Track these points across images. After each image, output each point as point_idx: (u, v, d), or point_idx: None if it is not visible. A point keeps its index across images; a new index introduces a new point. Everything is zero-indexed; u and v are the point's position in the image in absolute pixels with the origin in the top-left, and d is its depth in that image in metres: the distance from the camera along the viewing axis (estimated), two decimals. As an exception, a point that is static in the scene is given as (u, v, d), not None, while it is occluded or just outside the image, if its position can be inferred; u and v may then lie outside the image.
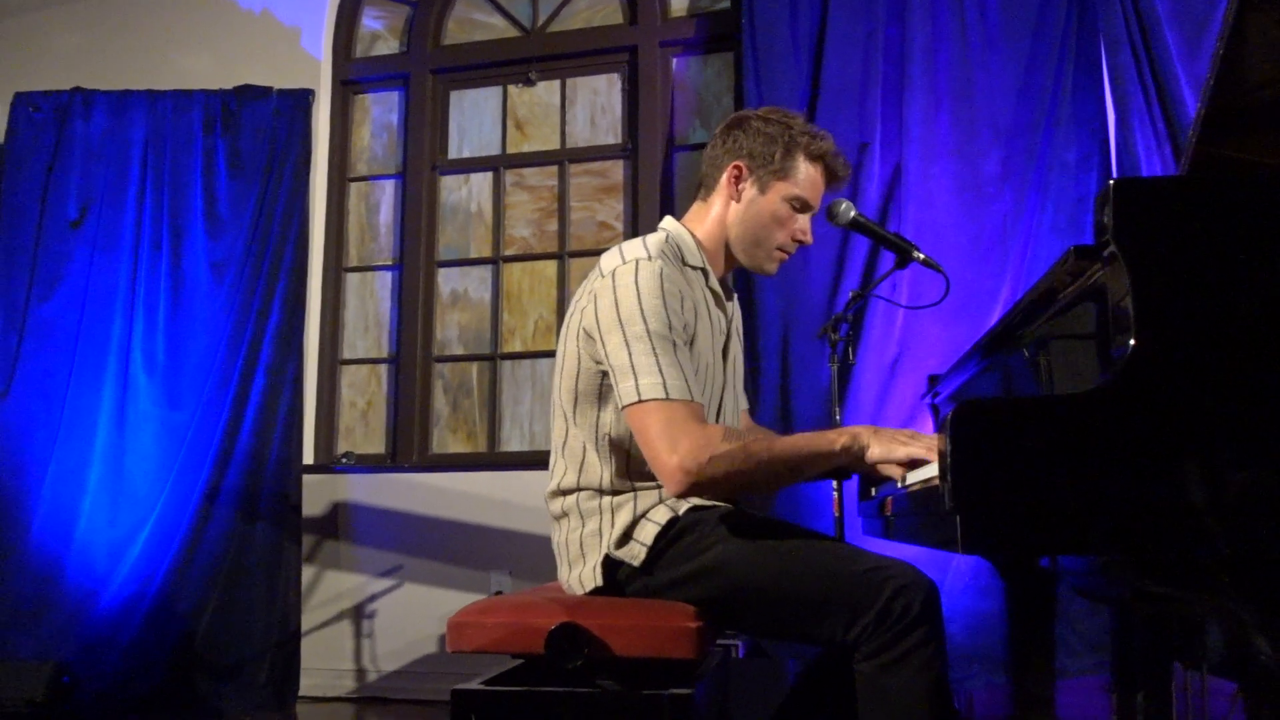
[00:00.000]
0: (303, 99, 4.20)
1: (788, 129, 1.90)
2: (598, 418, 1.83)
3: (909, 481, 1.64)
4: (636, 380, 1.67)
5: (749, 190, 1.92)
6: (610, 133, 4.22)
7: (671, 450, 1.62)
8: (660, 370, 1.67)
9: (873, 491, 2.29)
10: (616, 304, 1.73)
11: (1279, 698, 1.06)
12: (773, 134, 1.90)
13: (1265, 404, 1.08)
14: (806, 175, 1.91)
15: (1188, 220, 1.14)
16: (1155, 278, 1.12)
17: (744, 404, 2.17)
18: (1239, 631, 1.10)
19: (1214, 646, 1.80)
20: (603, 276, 1.79)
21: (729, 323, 1.98)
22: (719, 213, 1.94)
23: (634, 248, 1.82)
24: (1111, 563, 1.15)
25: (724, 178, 1.93)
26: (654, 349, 1.68)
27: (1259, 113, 1.53)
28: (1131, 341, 1.10)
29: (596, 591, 1.81)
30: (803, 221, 1.94)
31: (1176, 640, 1.80)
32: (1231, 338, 1.10)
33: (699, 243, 1.93)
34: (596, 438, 1.83)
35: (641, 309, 1.71)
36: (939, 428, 1.22)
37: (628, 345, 1.69)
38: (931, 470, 1.52)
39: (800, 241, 1.95)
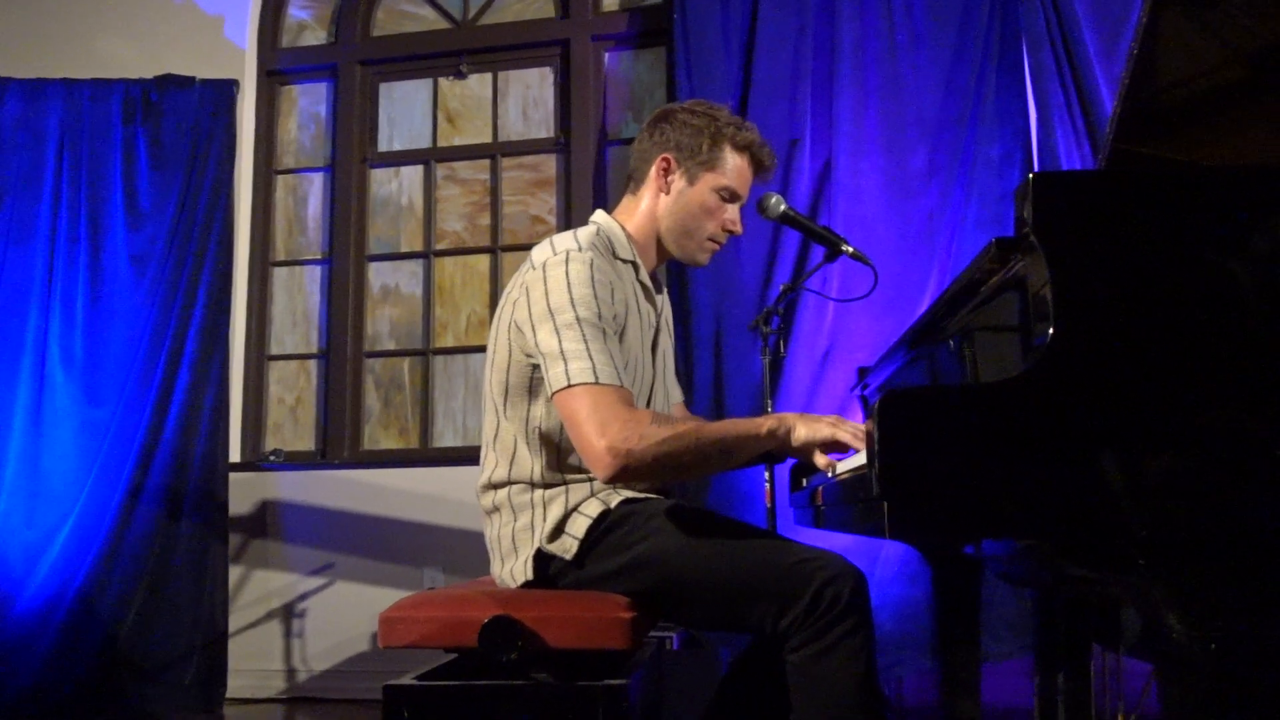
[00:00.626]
0: (226, 89, 4.11)
1: (714, 120, 1.92)
2: (528, 411, 1.82)
3: (839, 471, 1.66)
4: (566, 366, 1.67)
5: (678, 182, 1.92)
6: (543, 126, 4.20)
7: (600, 434, 1.62)
8: (590, 356, 1.67)
9: (804, 482, 2.32)
10: (547, 294, 1.73)
11: (1188, 673, 1.10)
12: (699, 126, 1.91)
13: (1179, 390, 1.11)
14: (734, 165, 1.92)
15: (1104, 213, 1.17)
16: (1073, 268, 1.15)
17: (677, 395, 2.18)
18: (1153, 611, 1.14)
19: (1130, 628, 1.86)
20: (533, 269, 1.79)
21: (659, 316, 1.99)
22: (649, 206, 1.95)
23: (564, 240, 1.82)
24: (1033, 547, 1.18)
25: (653, 171, 1.94)
26: (584, 336, 1.68)
27: (1172, 112, 1.58)
28: (1051, 330, 1.13)
29: (529, 586, 1.80)
30: (732, 211, 1.95)
31: (1095, 622, 1.86)
32: (1146, 326, 1.13)
33: (629, 236, 1.94)
34: (527, 431, 1.83)
35: (572, 298, 1.71)
36: (867, 416, 1.25)
37: (558, 333, 1.70)
38: (861, 459, 1.55)
39: (730, 231, 1.96)
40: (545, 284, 1.74)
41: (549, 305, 1.72)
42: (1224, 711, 1.08)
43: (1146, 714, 2.23)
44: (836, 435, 1.64)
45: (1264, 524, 1.09)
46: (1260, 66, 1.53)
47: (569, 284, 1.72)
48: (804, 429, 1.65)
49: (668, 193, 1.93)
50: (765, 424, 1.67)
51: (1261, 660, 1.08)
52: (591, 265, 1.75)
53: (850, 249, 2.36)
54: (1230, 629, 1.08)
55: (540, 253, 1.82)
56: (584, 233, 1.87)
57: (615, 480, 1.66)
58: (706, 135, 1.91)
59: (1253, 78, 1.55)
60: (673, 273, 3.49)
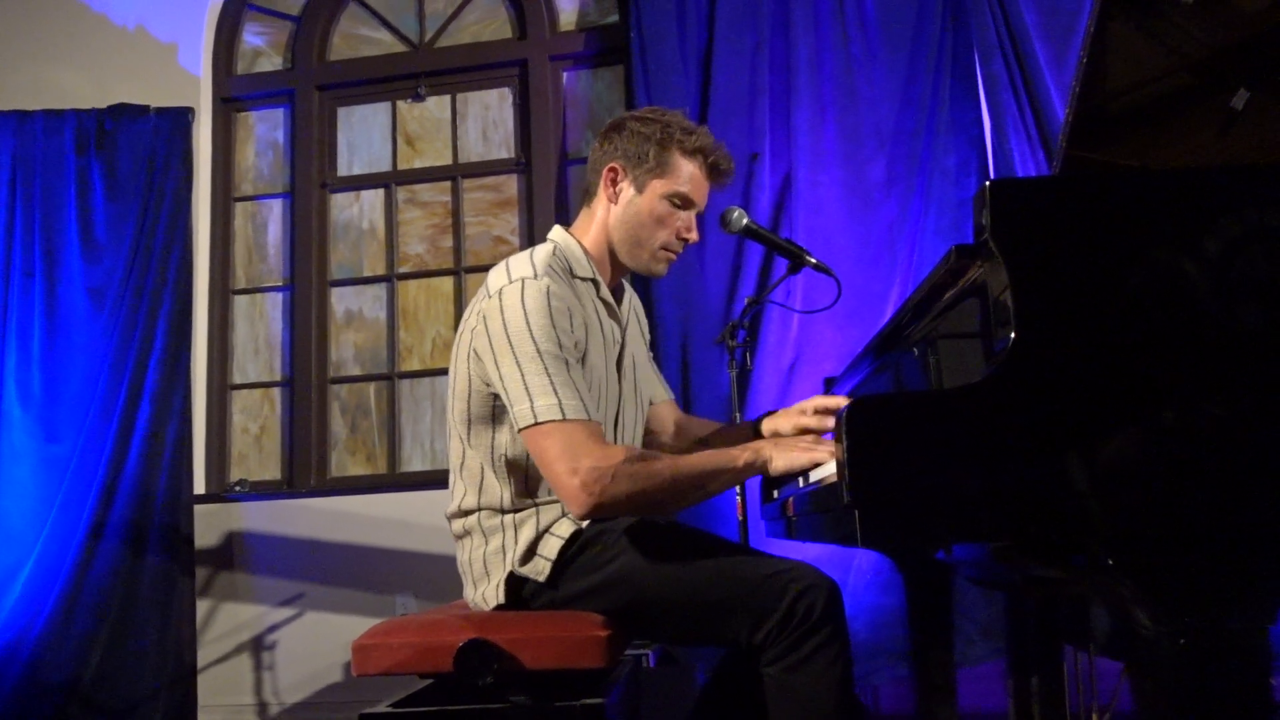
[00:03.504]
0: (182, 117, 4.08)
1: (663, 126, 1.87)
2: (493, 439, 1.81)
3: (809, 481, 1.67)
4: (532, 403, 1.65)
5: (626, 191, 1.88)
6: (503, 147, 4.20)
7: (573, 472, 1.61)
8: (555, 391, 1.65)
9: (774, 494, 2.33)
10: (505, 325, 1.70)
11: (1159, 669, 1.11)
12: (647, 133, 1.87)
13: (1139, 389, 1.13)
14: (686, 172, 1.88)
15: (1060, 217, 1.20)
16: (1032, 273, 1.17)
17: (662, 395, 2.16)
18: (1122, 609, 1.15)
19: (1099, 627, 1.88)
20: (490, 297, 1.76)
21: (624, 331, 1.96)
22: (601, 217, 1.91)
23: (520, 265, 1.79)
24: (1002, 549, 1.19)
25: (602, 181, 1.90)
26: (547, 369, 1.66)
27: (1122, 118, 1.61)
28: (1012, 335, 1.14)
29: (502, 609, 1.79)
30: (686, 219, 1.90)
31: (1065, 623, 1.88)
32: (1104, 328, 1.15)
33: (587, 252, 1.90)
34: (493, 459, 1.81)
35: (530, 330, 1.69)
36: (835, 426, 1.25)
37: (520, 367, 1.67)
38: (829, 469, 1.56)
39: (685, 240, 1.91)
40: (503, 314, 1.71)
41: (508, 336, 1.69)
42: (1195, 705, 1.10)
43: (1120, 711, 2.25)
44: (815, 459, 1.64)
45: (1228, 519, 1.10)
46: (1204, 72, 1.57)
47: (526, 314, 1.69)
48: (780, 460, 1.65)
49: (616, 202, 1.89)
50: (741, 456, 1.67)
51: (1230, 653, 1.09)
52: (548, 292, 1.71)
53: (813, 260, 2.38)
54: (1199, 624, 1.09)
55: (496, 279, 1.78)
56: (540, 254, 1.83)
57: (589, 516, 1.67)
58: (654, 142, 1.86)
59: (1198, 83, 1.59)
60: (637, 289, 3.50)
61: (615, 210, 1.90)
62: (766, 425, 2.04)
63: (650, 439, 2.15)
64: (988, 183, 1.20)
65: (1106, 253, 1.17)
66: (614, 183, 1.89)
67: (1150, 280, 1.16)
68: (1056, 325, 1.15)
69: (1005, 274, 1.17)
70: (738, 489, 2.56)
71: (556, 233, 1.93)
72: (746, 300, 2.65)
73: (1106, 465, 1.11)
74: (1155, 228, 1.19)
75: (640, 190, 1.88)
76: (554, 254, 1.85)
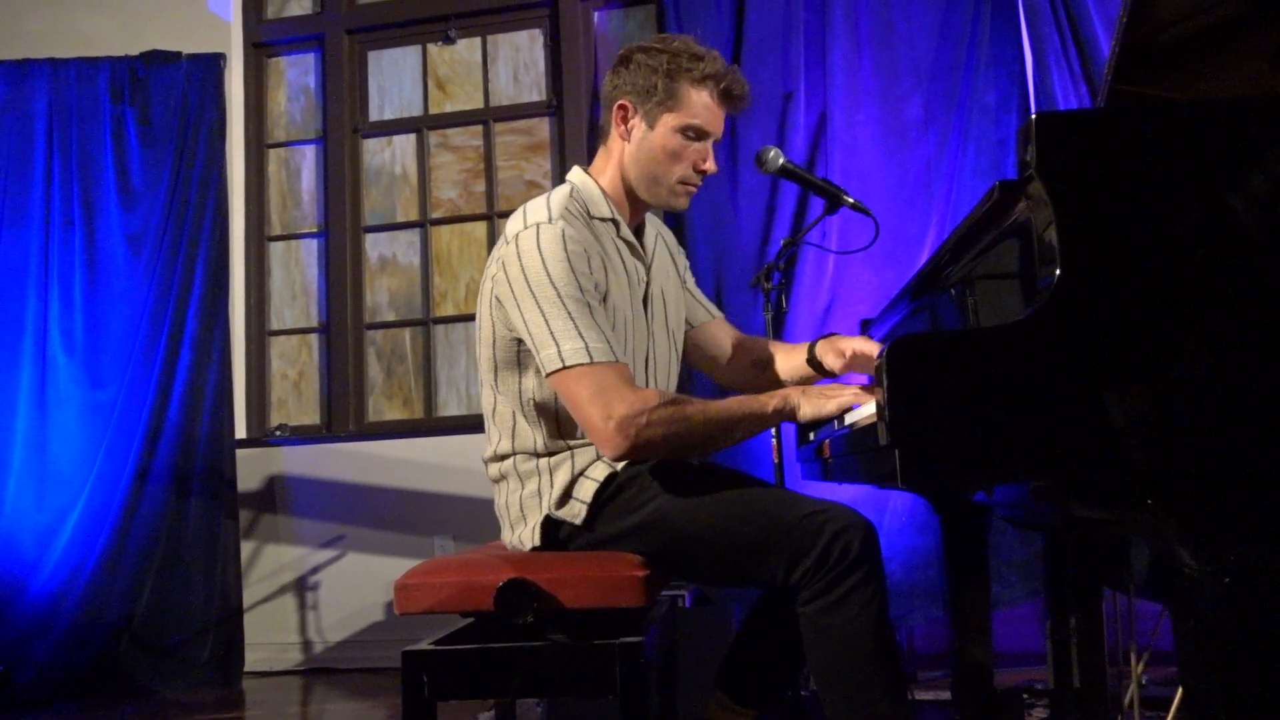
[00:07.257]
0: (213, 63, 4.07)
1: (670, 56, 1.80)
2: (520, 385, 1.81)
3: (846, 422, 1.67)
4: (558, 347, 1.65)
5: (638, 127, 1.83)
6: (534, 89, 4.17)
7: (606, 416, 1.61)
8: (580, 334, 1.65)
9: (810, 436, 2.32)
10: (524, 271, 1.69)
11: (1202, 608, 1.10)
12: (653, 65, 1.80)
13: (1184, 327, 1.11)
14: (697, 102, 1.81)
15: (1108, 152, 1.16)
16: (1078, 209, 1.14)
17: (713, 314, 2.16)
18: (1165, 547, 1.14)
19: (1139, 568, 1.87)
20: (507, 243, 1.74)
21: (649, 269, 1.93)
22: (616, 156, 1.87)
23: (536, 210, 1.76)
24: (1043, 489, 1.18)
25: (613, 118, 1.86)
26: (569, 313, 1.66)
27: (1169, 50, 1.56)
28: (1057, 272, 1.12)
29: (538, 551, 1.81)
30: (701, 150, 1.84)
31: (1104, 565, 1.87)
32: (1151, 264, 1.13)
33: (605, 192, 1.87)
34: (522, 404, 1.81)
35: (549, 274, 1.67)
36: (874, 365, 1.25)
37: (542, 312, 1.67)
38: (867, 410, 1.55)
39: (703, 171, 1.86)
40: (521, 260, 1.70)
41: (528, 282, 1.68)
42: (1239, 645, 1.09)
43: (1158, 652, 2.25)
44: (842, 405, 1.66)
45: (1275, 457, 1.09)
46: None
47: (543, 259, 1.68)
48: (808, 407, 1.68)
49: (629, 140, 1.84)
50: (770, 403, 1.69)
51: (1276, 591, 1.08)
52: (563, 235, 1.70)
53: (851, 200, 2.34)
54: (1244, 562, 1.08)
55: (513, 224, 1.76)
56: (556, 198, 1.80)
57: (623, 459, 1.68)
58: (661, 73, 1.79)
59: (1251, 11, 1.54)
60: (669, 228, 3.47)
61: (629, 148, 1.85)
62: (820, 348, 2.06)
63: (708, 361, 2.15)
64: (1034, 115, 1.17)
65: (1156, 188, 1.14)
66: (625, 120, 1.84)
67: (1199, 217, 1.14)
68: (1103, 263, 1.13)
69: (1051, 210, 1.14)
70: (773, 431, 2.56)
71: (575, 174, 1.90)
72: (782, 242, 2.62)
73: (1150, 404, 1.09)
74: (1206, 162, 1.15)
75: (652, 125, 1.83)
76: (570, 196, 1.82)
